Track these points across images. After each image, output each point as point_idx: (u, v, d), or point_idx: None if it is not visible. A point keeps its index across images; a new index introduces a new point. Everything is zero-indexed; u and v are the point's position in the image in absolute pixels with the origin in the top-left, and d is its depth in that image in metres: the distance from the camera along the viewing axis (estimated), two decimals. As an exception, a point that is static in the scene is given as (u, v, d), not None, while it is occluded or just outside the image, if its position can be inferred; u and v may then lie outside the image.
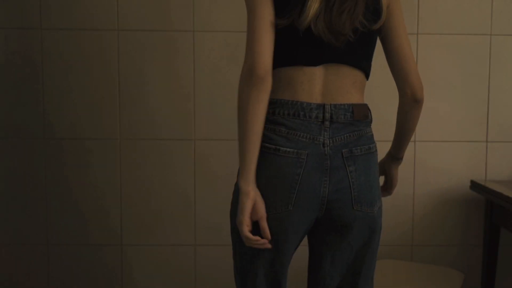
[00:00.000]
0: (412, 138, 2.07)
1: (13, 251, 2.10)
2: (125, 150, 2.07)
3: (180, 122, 2.06)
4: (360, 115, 1.12)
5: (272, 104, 1.09)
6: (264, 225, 1.08)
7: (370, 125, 1.17)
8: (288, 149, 1.07)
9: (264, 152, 1.08)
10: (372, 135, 1.17)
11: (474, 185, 2.00)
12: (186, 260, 2.11)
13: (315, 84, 1.10)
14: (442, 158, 2.08)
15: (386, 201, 2.10)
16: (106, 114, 2.05)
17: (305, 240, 1.21)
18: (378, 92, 2.07)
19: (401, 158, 1.33)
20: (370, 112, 1.18)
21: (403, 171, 2.07)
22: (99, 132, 2.05)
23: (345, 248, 1.15)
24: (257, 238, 1.07)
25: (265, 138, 1.08)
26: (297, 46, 1.09)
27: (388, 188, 1.37)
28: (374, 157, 1.16)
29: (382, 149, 2.10)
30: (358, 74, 1.14)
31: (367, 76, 1.18)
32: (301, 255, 1.27)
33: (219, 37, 2.02)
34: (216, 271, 2.10)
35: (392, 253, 2.10)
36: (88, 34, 2.02)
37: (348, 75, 1.12)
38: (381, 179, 1.29)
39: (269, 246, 1.08)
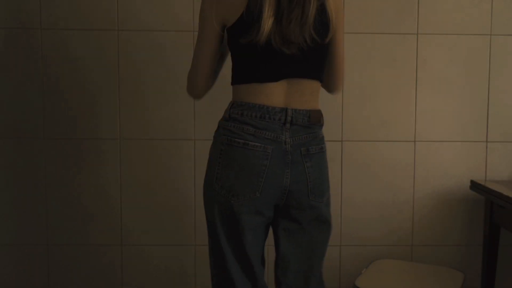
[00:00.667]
0: (412, 138, 2.08)
1: (13, 251, 2.10)
2: (125, 150, 2.07)
3: (180, 122, 2.06)
4: (315, 120, 1.29)
5: (241, 106, 1.25)
6: None
7: (322, 128, 1.35)
8: (256, 144, 1.22)
9: (233, 146, 1.23)
10: (323, 137, 1.34)
11: (474, 185, 2.00)
12: (186, 260, 2.11)
13: (279, 94, 1.25)
14: (442, 158, 2.08)
15: (387, 201, 2.12)
16: (106, 114, 2.05)
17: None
18: (378, 93, 2.07)
19: None
20: (322, 117, 1.34)
21: (403, 171, 2.09)
22: (99, 132, 2.06)
23: (300, 232, 1.31)
24: None
25: (234, 135, 1.24)
26: (260, 66, 1.24)
27: None
28: (325, 156, 1.34)
29: (382, 150, 2.11)
30: (314, 84, 1.30)
31: (321, 81, 1.35)
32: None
33: (219, 37, 2.02)
34: (216, 271, 2.10)
35: (392, 253, 2.10)
36: (88, 34, 2.02)
37: (307, 86, 1.28)
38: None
39: None
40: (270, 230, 1.36)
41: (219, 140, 1.27)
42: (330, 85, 1.42)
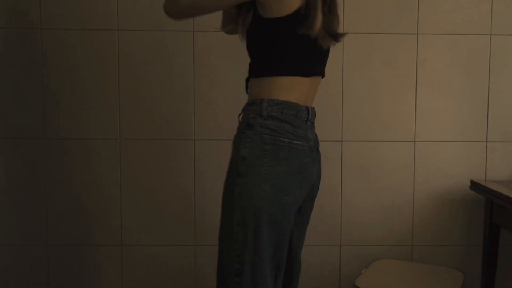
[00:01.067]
0: (412, 138, 2.08)
1: (13, 251, 2.10)
2: (125, 150, 2.07)
3: (180, 122, 2.06)
4: None
5: (280, 104, 1.23)
6: None
7: None
8: (297, 142, 1.24)
9: (279, 145, 1.22)
10: None
11: (474, 185, 2.00)
12: (186, 260, 2.11)
13: (305, 91, 1.28)
14: (442, 158, 2.08)
15: (387, 201, 2.12)
16: (106, 114, 2.05)
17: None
18: (378, 93, 2.07)
19: None
20: None
21: (403, 171, 2.09)
22: (99, 132, 2.05)
23: (305, 225, 1.38)
24: None
25: (278, 134, 1.22)
26: (301, 59, 1.26)
27: None
28: None
29: (382, 150, 2.11)
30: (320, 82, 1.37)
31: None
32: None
33: (219, 37, 2.02)
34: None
35: (392, 253, 2.10)
36: (88, 34, 2.02)
37: (317, 84, 1.34)
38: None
39: None
40: None
41: (258, 139, 1.21)
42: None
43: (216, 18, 1.90)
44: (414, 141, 2.08)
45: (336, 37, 1.30)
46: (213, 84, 2.04)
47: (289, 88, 1.24)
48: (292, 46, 1.23)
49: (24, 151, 2.06)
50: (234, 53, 2.01)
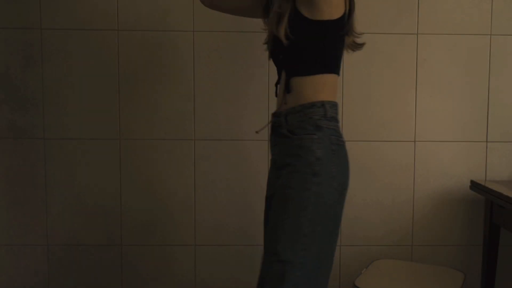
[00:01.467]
0: (412, 138, 2.08)
1: (13, 251, 2.10)
2: (125, 150, 2.07)
3: (180, 122, 2.06)
4: None
5: (334, 105, 1.34)
6: None
7: None
8: (344, 141, 1.34)
9: (340, 145, 1.32)
10: None
11: (474, 185, 2.00)
12: (186, 260, 2.11)
13: None
14: (442, 158, 2.08)
15: (386, 201, 2.12)
16: (106, 114, 2.05)
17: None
18: (378, 93, 2.07)
19: None
20: None
21: (403, 171, 2.09)
22: (99, 132, 2.06)
23: None
24: None
25: (338, 134, 1.33)
26: (338, 60, 1.37)
27: None
28: None
29: (382, 150, 2.11)
30: None
31: None
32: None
33: (219, 37, 2.02)
34: (216, 271, 2.10)
35: (392, 253, 2.10)
36: (88, 34, 2.02)
37: None
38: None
39: None
40: None
41: (327, 140, 1.29)
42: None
43: (215, 17, 1.90)
44: (414, 141, 2.08)
45: (357, 46, 1.43)
46: (213, 84, 2.04)
47: (334, 88, 1.35)
48: (335, 47, 1.34)
49: (24, 151, 2.06)
50: (234, 53, 2.01)
